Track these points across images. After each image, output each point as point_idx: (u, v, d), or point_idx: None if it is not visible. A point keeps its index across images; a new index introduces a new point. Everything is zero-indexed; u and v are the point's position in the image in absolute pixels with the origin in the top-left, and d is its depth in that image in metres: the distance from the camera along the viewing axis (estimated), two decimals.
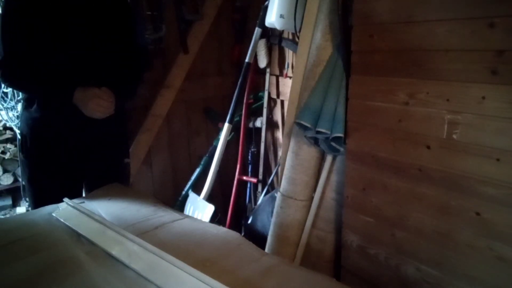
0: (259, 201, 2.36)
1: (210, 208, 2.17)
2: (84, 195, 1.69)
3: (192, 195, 2.36)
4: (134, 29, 1.72)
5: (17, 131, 2.47)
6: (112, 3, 1.63)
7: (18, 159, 1.69)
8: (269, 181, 2.47)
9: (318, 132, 1.57)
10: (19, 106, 2.43)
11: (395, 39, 1.34)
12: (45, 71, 1.49)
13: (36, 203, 1.58)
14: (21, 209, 3.03)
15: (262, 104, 2.47)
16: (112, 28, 1.61)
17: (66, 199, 1.41)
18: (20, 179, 2.94)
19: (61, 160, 1.59)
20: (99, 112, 1.48)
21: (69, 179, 1.64)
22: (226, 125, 2.28)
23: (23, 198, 2.99)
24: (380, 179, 1.45)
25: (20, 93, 2.29)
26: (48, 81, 1.49)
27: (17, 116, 2.53)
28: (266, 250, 1.85)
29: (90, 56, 1.54)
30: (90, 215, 1.28)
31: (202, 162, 2.47)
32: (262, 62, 2.36)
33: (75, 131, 1.58)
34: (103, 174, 1.70)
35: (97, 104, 1.46)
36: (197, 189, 2.39)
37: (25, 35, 1.44)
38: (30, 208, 1.64)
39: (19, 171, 3.04)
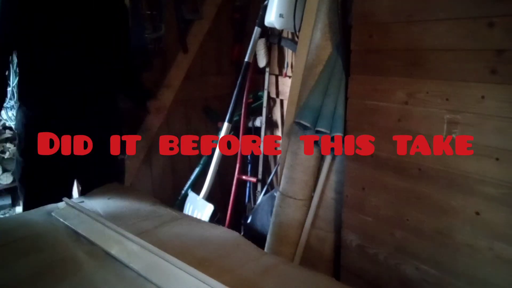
0: (259, 201, 2.36)
1: (209, 208, 2.17)
2: (78, 193, 1.69)
3: (191, 194, 2.36)
4: (128, 34, 1.73)
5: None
6: (110, 7, 1.62)
7: (15, 158, 1.69)
8: (269, 180, 2.47)
9: (317, 132, 1.57)
10: None
11: (394, 39, 1.34)
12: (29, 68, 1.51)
13: (28, 203, 1.58)
14: (21, 209, 3.01)
15: (262, 103, 2.47)
16: (106, 32, 1.60)
17: (65, 199, 1.41)
18: None
19: (53, 160, 1.57)
20: None
21: (60, 178, 1.64)
22: (226, 124, 2.28)
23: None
24: (380, 178, 1.45)
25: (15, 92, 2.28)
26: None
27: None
28: (266, 249, 1.85)
29: (79, 58, 1.54)
30: (89, 214, 1.28)
31: (201, 162, 2.47)
32: (262, 62, 2.36)
33: (68, 129, 1.57)
34: (97, 171, 1.69)
35: None
36: (196, 188, 2.39)
37: (15, 27, 1.45)
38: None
39: None
